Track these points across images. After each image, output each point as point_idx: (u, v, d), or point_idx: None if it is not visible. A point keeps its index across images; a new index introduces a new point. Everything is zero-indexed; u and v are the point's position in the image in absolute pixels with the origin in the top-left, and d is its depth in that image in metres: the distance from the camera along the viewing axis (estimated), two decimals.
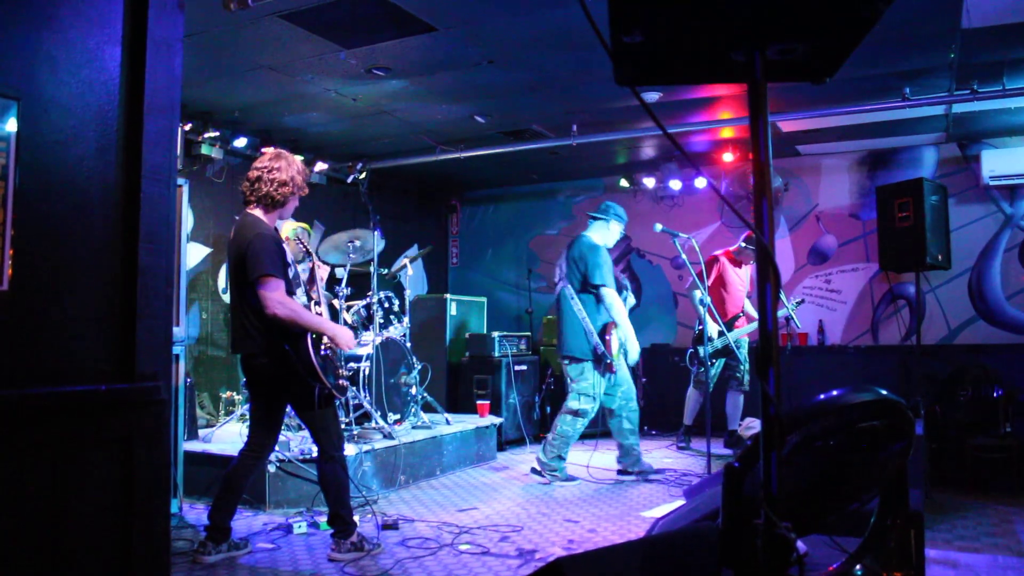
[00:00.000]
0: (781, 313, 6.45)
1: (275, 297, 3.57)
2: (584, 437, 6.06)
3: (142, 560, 1.96)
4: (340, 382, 3.89)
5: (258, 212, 3.81)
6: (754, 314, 7.09)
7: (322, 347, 3.82)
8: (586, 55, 5.26)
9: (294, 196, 3.87)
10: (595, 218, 5.87)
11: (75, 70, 1.91)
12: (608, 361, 5.57)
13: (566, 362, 5.70)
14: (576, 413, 5.60)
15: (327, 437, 3.84)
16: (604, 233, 5.83)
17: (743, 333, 6.90)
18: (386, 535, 4.23)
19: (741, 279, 7.04)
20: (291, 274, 3.82)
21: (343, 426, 5.57)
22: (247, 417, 4.15)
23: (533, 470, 5.74)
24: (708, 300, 6.13)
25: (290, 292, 3.75)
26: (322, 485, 3.91)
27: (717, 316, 6.48)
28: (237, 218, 3.88)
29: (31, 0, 1.84)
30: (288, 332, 3.66)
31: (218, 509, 3.79)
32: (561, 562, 1.36)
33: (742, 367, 6.95)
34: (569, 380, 5.71)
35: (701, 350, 6.82)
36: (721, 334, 6.72)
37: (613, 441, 5.90)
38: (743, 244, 6.97)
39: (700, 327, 6.95)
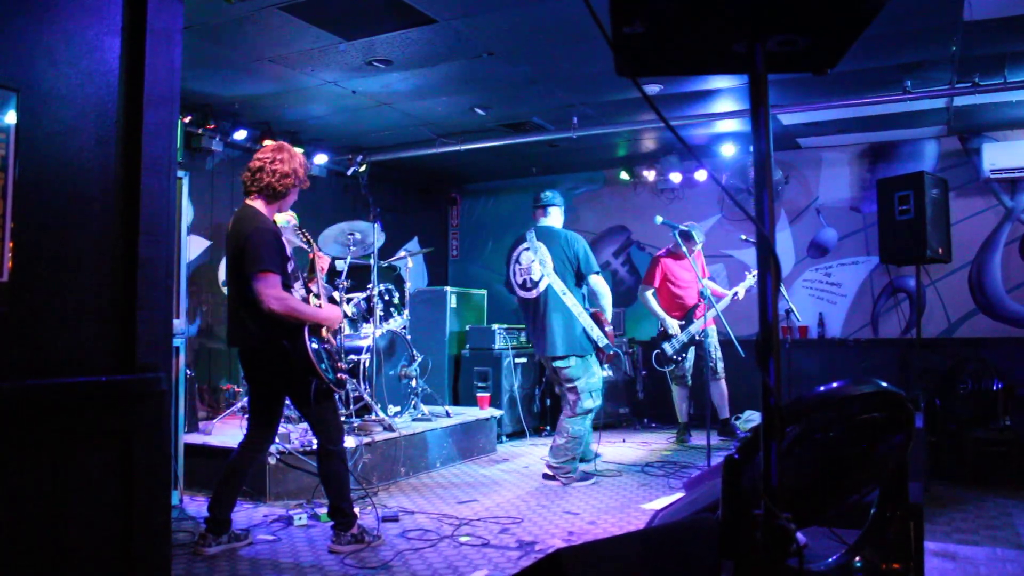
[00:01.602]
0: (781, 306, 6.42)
1: (271, 292, 3.57)
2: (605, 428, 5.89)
3: (143, 552, 1.96)
4: (339, 376, 3.89)
5: (258, 204, 3.79)
6: (721, 291, 7.02)
7: (322, 340, 3.82)
8: (587, 47, 5.24)
9: (295, 188, 3.86)
10: (550, 205, 5.61)
11: (74, 61, 1.91)
12: (612, 352, 5.44)
13: (570, 361, 5.34)
14: (588, 412, 5.40)
15: (326, 430, 3.85)
16: (560, 219, 5.65)
17: (703, 323, 6.77)
18: (386, 527, 4.24)
19: (688, 269, 6.90)
20: (290, 267, 3.81)
21: (343, 419, 5.58)
22: (247, 409, 4.15)
23: (545, 476, 5.49)
24: (707, 292, 6.11)
25: (288, 286, 3.74)
26: (322, 478, 3.92)
27: (716, 306, 6.45)
28: (236, 210, 3.87)
29: None
30: (285, 326, 3.66)
31: (218, 501, 3.79)
32: (561, 553, 1.36)
33: (713, 356, 6.92)
34: (568, 380, 5.38)
35: (668, 347, 6.83)
36: (683, 328, 6.76)
37: (617, 432, 5.90)
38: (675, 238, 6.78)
39: (662, 327, 6.96)
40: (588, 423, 5.47)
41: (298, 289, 3.84)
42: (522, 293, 5.51)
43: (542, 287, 5.37)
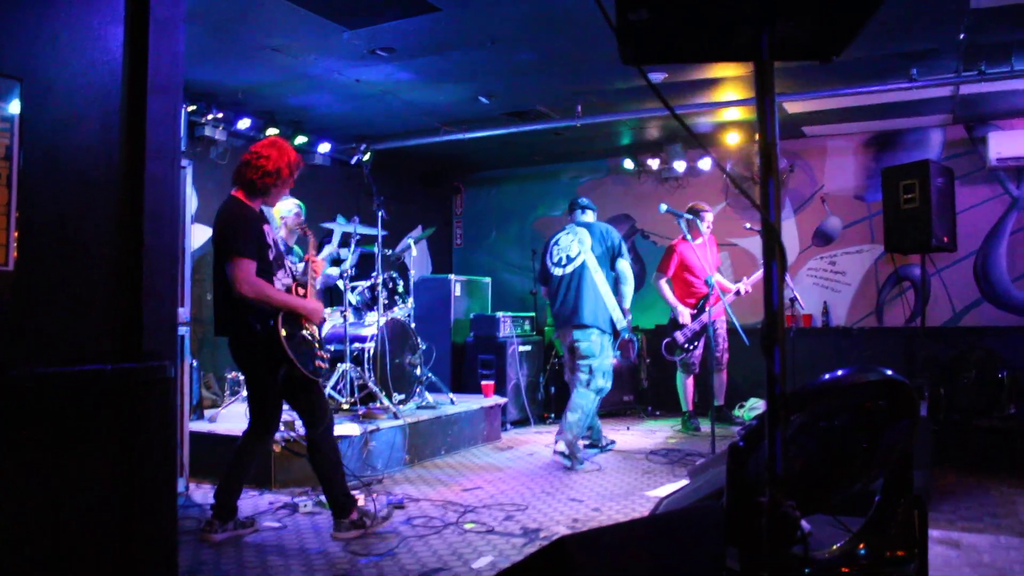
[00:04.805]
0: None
1: (243, 277, 3.57)
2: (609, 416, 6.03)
3: (149, 539, 1.97)
4: (317, 364, 3.86)
5: (240, 195, 3.81)
6: (729, 286, 7.05)
7: (300, 327, 3.80)
8: (591, 34, 5.22)
9: (278, 188, 3.85)
10: (589, 208, 6.03)
11: (78, 50, 1.91)
12: (627, 338, 5.72)
13: (591, 334, 5.56)
14: (600, 391, 5.62)
15: (307, 417, 3.86)
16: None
17: (718, 310, 6.79)
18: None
19: (703, 256, 6.86)
20: (271, 255, 3.78)
21: (348, 407, 5.60)
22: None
23: (559, 453, 5.53)
24: (713, 282, 6.10)
25: (268, 272, 3.72)
26: (312, 467, 3.93)
27: (722, 296, 6.46)
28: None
29: None
30: (259, 311, 3.66)
31: (224, 488, 3.81)
32: (565, 540, 1.37)
33: (720, 346, 7.00)
34: (584, 357, 5.57)
35: (679, 335, 6.87)
36: (694, 317, 6.79)
37: (621, 420, 5.92)
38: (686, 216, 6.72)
39: (673, 315, 6.99)
40: (596, 404, 5.66)
41: (281, 278, 3.81)
42: (556, 270, 5.79)
43: (578, 263, 5.69)
